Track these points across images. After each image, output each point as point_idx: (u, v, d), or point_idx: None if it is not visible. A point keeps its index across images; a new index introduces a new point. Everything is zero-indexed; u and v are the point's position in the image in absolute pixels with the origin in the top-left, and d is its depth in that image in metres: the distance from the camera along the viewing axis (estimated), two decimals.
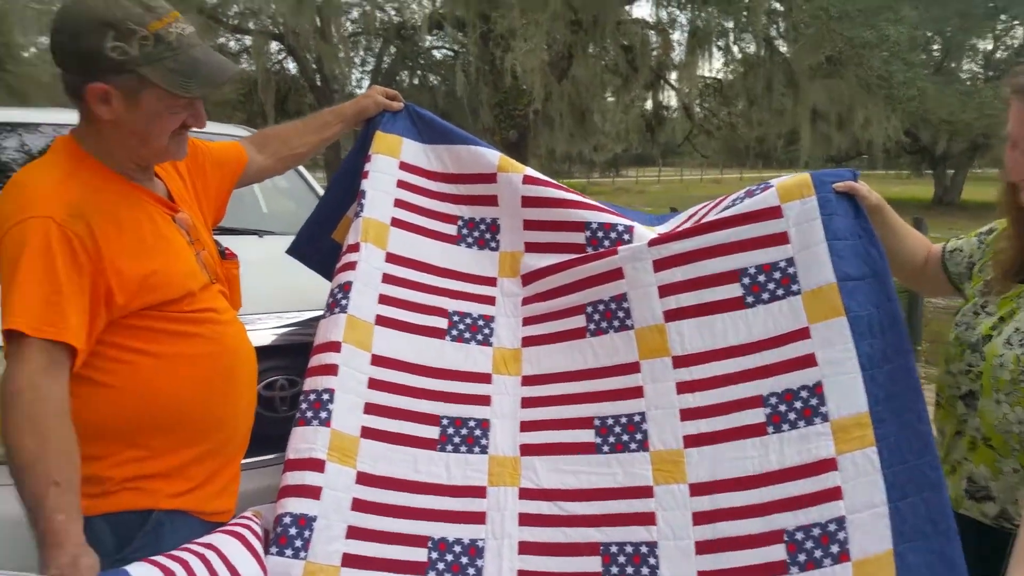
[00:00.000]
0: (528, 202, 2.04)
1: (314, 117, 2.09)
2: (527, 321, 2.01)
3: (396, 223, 2.02)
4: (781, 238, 1.75)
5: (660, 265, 1.84)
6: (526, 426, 1.88)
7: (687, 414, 1.76)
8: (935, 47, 18.65)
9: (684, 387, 1.78)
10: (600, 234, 1.96)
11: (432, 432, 1.84)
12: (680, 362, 1.80)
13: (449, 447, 1.83)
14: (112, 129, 1.41)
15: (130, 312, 1.38)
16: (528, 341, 1.98)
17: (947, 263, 1.76)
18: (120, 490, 1.41)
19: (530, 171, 2.06)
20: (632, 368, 1.84)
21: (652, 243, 1.86)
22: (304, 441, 1.68)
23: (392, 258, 1.98)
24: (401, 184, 2.07)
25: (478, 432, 1.86)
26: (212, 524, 1.51)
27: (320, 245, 2.21)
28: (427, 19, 13.67)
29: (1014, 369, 1.42)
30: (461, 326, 1.98)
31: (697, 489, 1.68)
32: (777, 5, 12.03)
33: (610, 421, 1.82)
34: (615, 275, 1.89)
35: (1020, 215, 1.50)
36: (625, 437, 1.79)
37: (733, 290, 1.78)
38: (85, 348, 1.31)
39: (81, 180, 1.39)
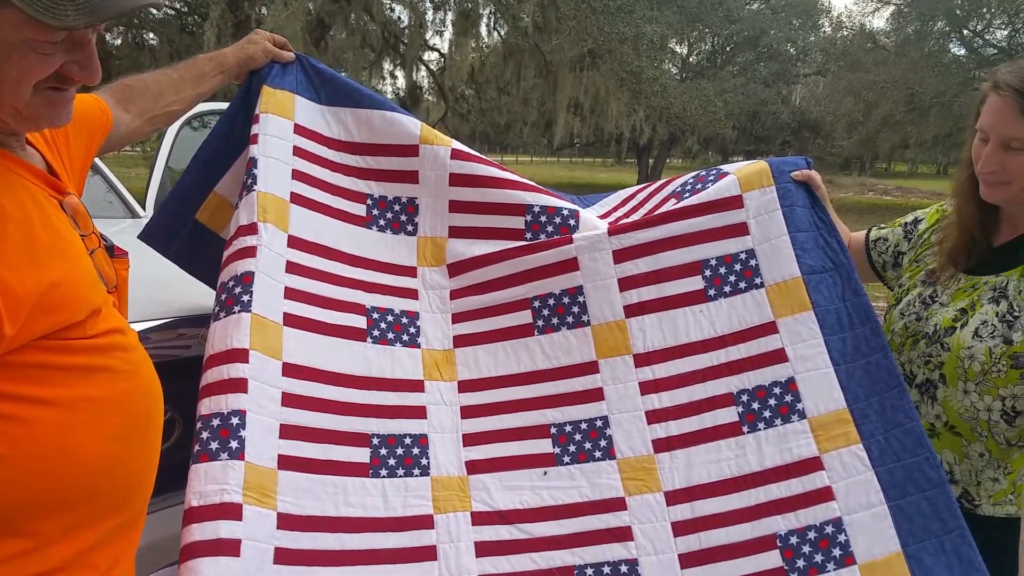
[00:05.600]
0: (457, 180, 1.77)
1: (188, 66, 1.61)
2: (458, 318, 1.74)
3: (296, 199, 1.64)
4: (741, 229, 1.69)
5: (620, 256, 1.69)
6: (469, 439, 1.63)
7: (653, 416, 1.63)
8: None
9: (648, 387, 1.65)
10: (543, 218, 1.76)
11: (362, 455, 1.52)
12: (642, 360, 1.67)
13: (383, 471, 1.52)
14: None
15: (18, 346, 0.91)
16: (461, 341, 1.72)
17: (871, 251, 1.82)
18: None
19: (457, 144, 1.79)
20: (590, 368, 1.67)
21: (612, 232, 1.70)
22: (212, 481, 1.29)
23: (295, 242, 1.60)
24: (298, 152, 1.69)
25: (416, 451, 1.57)
26: None
27: (179, 229, 1.74)
28: None
29: (986, 360, 1.49)
30: (383, 325, 1.66)
31: (674, 497, 1.57)
32: None
33: (568, 428, 1.64)
34: (568, 266, 1.70)
35: (973, 207, 1.57)
36: (588, 445, 1.62)
37: (695, 283, 1.69)
38: None
39: None
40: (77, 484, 0.99)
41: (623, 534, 1.54)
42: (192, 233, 1.75)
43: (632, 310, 1.69)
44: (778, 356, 1.62)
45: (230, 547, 1.25)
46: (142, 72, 1.61)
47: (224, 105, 2.93)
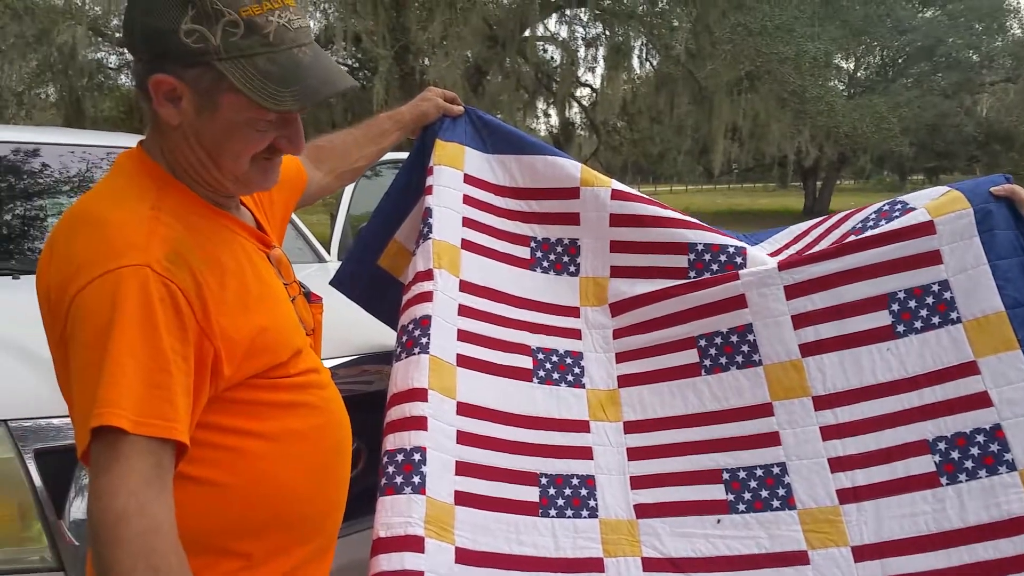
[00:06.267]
0: (617, 220, 1.77)
1: (370, 125, 1.75)
2: (621, 357, 1.73)
3: (466, 245, 1.71)
4: (933, 257, 1.56)
5: (793, 292, 1.62)
6: (637, 482, 1.60)
7: (837, 464, 1.53)
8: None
9: (830, 432, 1.55)
10: (707, 257, 1.72)
11: (532, 494, 1.54)
12: (823, 403, 1.57)
13: (552, 511, 1.53)
14: (180, 139, 1.05)
15: (233, 384, 1.03)
16: (625, 381, 1.71)
17: None
18: None
19: (618, 184, 1.80)
20: (764, 411, 1.60)
21: (782, 266, 1.63)
22: (398, 514, 1.35)
23: (466, 287, 1.67)
24: (467, 200, 1.76)
25: (584, 492, 1.57)
26: None
27: (363, 274, 1.87)
28: (323, 32, 13.15)
29: None
30: (548, 365, 1.68)
31: (862, 553, 1.46)
32: (676, 22, 12.29)
33: (742, 474, 1.57)
34: (735, 303, 1.65)
35: None
36: (764, 493, 1.54)
37: (881, 318, 1.58)
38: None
39: (172, 211, 1.02)
40: (282, 510, 1.08)
41: None
42: (374, 278, 1.87)
43: (809, 349, 1.60)
44: (980, 400, 1.47)
45: None
46: (320, 127, 1.75)
47: (396, 155, 3.14)
